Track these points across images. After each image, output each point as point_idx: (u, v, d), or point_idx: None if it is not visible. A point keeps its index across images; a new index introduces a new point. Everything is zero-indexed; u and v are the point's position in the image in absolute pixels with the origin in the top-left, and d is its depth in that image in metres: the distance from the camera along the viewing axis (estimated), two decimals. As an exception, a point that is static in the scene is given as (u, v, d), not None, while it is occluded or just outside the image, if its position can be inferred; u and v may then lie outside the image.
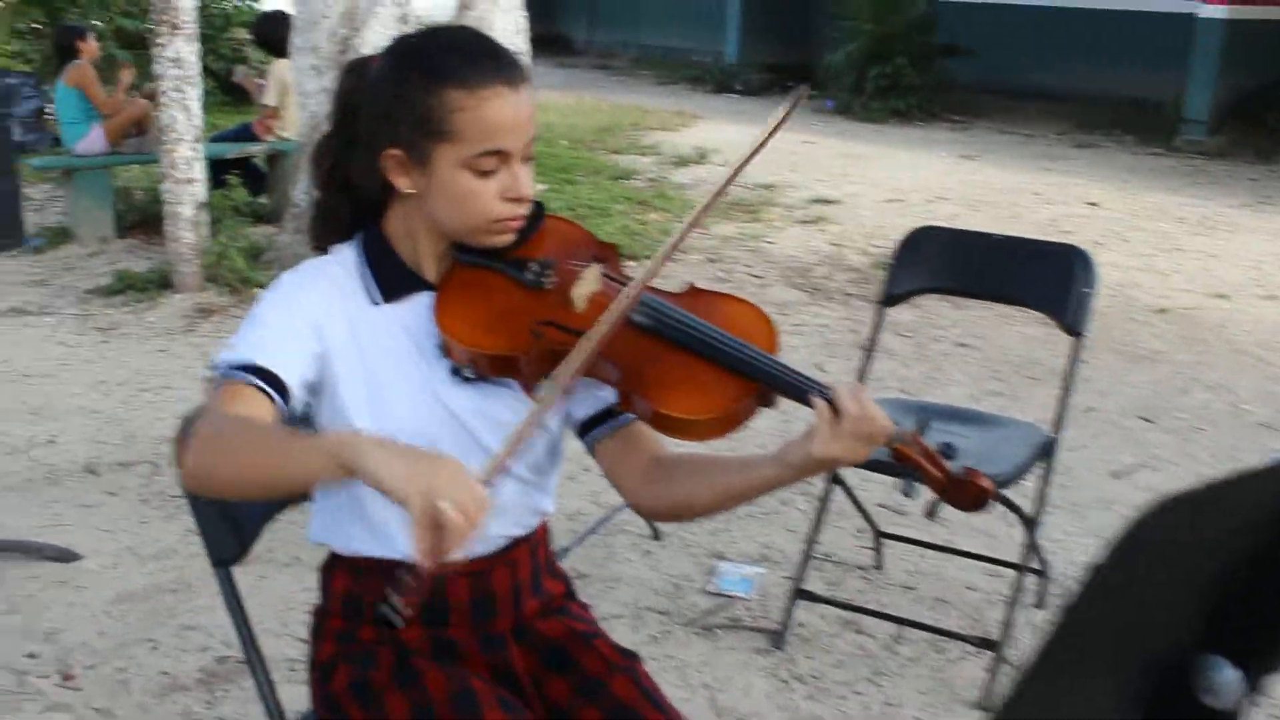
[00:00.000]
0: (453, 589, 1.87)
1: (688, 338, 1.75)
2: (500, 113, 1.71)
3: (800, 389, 1.69)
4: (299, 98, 6.64)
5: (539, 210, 1.88)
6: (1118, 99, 13.20)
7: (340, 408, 1.79)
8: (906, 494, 1.67)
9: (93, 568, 3.68)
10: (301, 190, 6.37)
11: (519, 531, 1.92)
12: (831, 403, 1.63)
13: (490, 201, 1.75)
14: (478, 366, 1.78)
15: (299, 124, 6.82)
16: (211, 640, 3.29)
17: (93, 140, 7.93)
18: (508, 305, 1.80)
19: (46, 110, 11.07)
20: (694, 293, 1.88)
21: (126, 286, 6.51)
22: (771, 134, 1.80)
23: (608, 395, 1.82)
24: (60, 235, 7.60)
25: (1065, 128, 13.17)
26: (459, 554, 1.42)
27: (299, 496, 2.02)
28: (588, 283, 1.80)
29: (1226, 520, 1.07)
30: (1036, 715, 1.12)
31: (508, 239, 1.82)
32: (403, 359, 1.81)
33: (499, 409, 1.83)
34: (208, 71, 11.84)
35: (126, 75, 8.63)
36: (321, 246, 1.90)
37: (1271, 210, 9.37)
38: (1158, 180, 10.42)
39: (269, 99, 8.23)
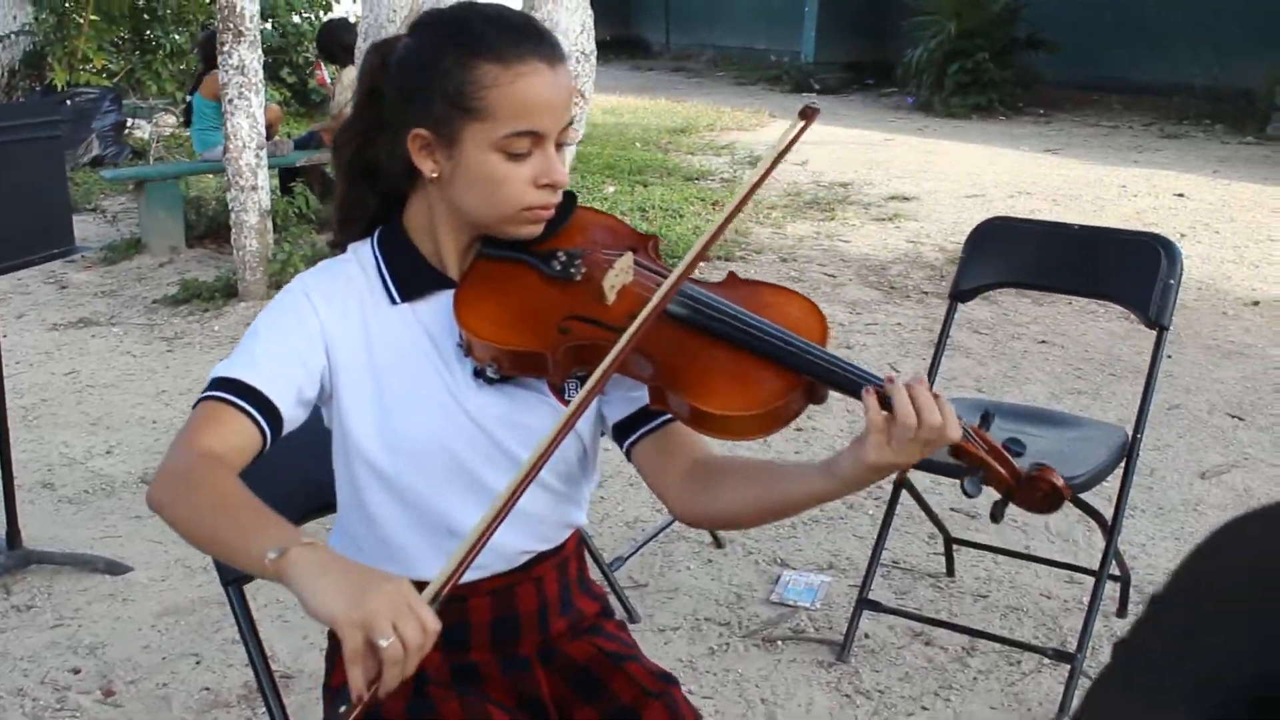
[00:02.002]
0: (474, 608, 1.74)
1: (728, 328, 1.59)
2: (536, 91, 1.58)
3: (852, 383, 1.52)
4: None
5: (571, 201, 1.73)
6: (1207, 88, 12.83)
7: (346, 427, 1.67)
8: (968, 493, 1.49)
9: (142, 580, 3.62)
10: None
11: (544, 546, 1.79)
12: (885, 398, 1.46)
13: (521, 187, 1.61)
14: (501, 365, 1.64)
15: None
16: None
17: (220, 150, 7.90)
18: (533, 299, 1.66)
19: (128, 124, 11.20)
20: (734, 282, 1.72)
21: (192, 296, 6.49)
22: (784, 151, 1.61)
23: (642, 395, 1.67)
24: (132, 246, 7.60)
25: (1152, 118, 12.83)
26: (396, 684, 1.28)
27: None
28: (619, 274, 1.64)
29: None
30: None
31: (536, 230, 1.67)
32: (420, 362, 1.68)
33: (523, 414, 1.69)
34: (283, 83, 11.95)
35: None
36: (340, 244, 1.78)
37: (1370, 198, 9.00)
38: (1250, 170, 10.07)
39: (338, 107, 8.19)
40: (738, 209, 1.59)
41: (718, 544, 3.76)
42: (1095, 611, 2.96)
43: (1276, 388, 5.19)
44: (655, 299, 1.53)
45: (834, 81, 15.89)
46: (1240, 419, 4.83)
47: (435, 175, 1.63)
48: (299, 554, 1.32)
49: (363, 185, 1.73)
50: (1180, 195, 8.94)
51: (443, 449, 1.67)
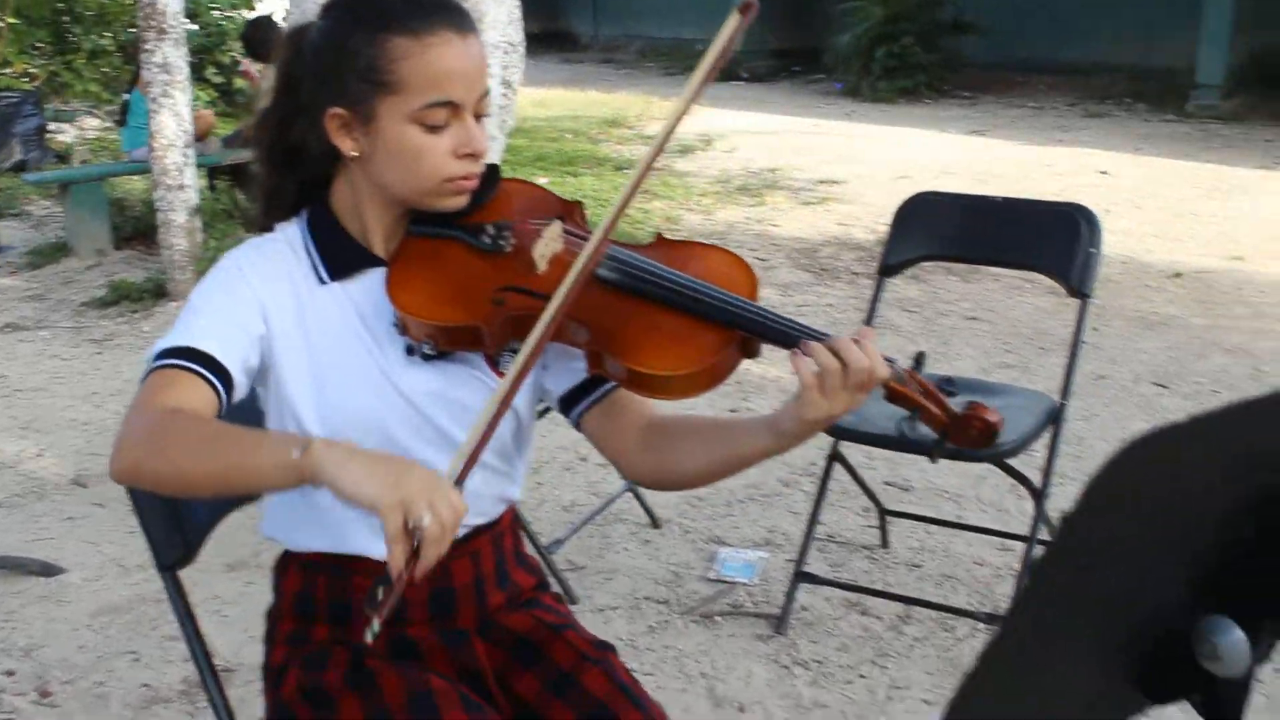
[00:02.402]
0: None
1: (658, 289, 1.61)
2: (449, 60, 1.59)
3: (784, 334, 1.56)
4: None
5: (494, 174, 1.75)
6: (1129, 67, 13.02)
7: (284, 396, 1.67)
8: (906, 435, 1.53)
9: (75, 581, 3.59)
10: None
11: (480, 520, 1.79)
12: (810, 355, 1.49)
13: (441, 158, 1.62)
14: (437, 341, 1.65)
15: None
16: (195, 649, 3.18)
17: (147, 149, 7.81)
18: (465, 273, 1.67)
19: (49, 128, 11.05)
20: (662, 243, 1.74)
21: (121, 297, 6.43)
22: (719, 57, 1.62)
23: (584, 365, 1.68)
24: (58, 250, 7.52)
25: (1076, 98, 12.99)
26: (434, 562, 1.35)
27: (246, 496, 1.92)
28: (549, 242, 1.66)
29: (1221, 459, 0.94)
30: (1008, 694, 1.00)
31: (461, 201, 1.68)
32: (352, 341, 1.68)
33: (457, 389, 1.70)
34: (207, 83, 11.83)
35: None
36: (266, 226, 1.78)
37: (1287, 171, 9.18)
38: (1171, 146, 10.23)
39: (264, 104, 8.12)
40: (673, 128, 1.61)
41: (654, 524, 3.78)
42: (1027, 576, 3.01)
43: (1199, 356, 5.30)
44: (588, 249, 1.55)
45: (762, 69, 15.93)
46: (1165, 387, 4.92)
47: (356, 154, 1.64)
48: (322, 448, 1.38)
49: (284, 172, 1.74)
50: (1104, 173, 9.07)
51: (376, 427, 1.68)
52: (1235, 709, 1.07)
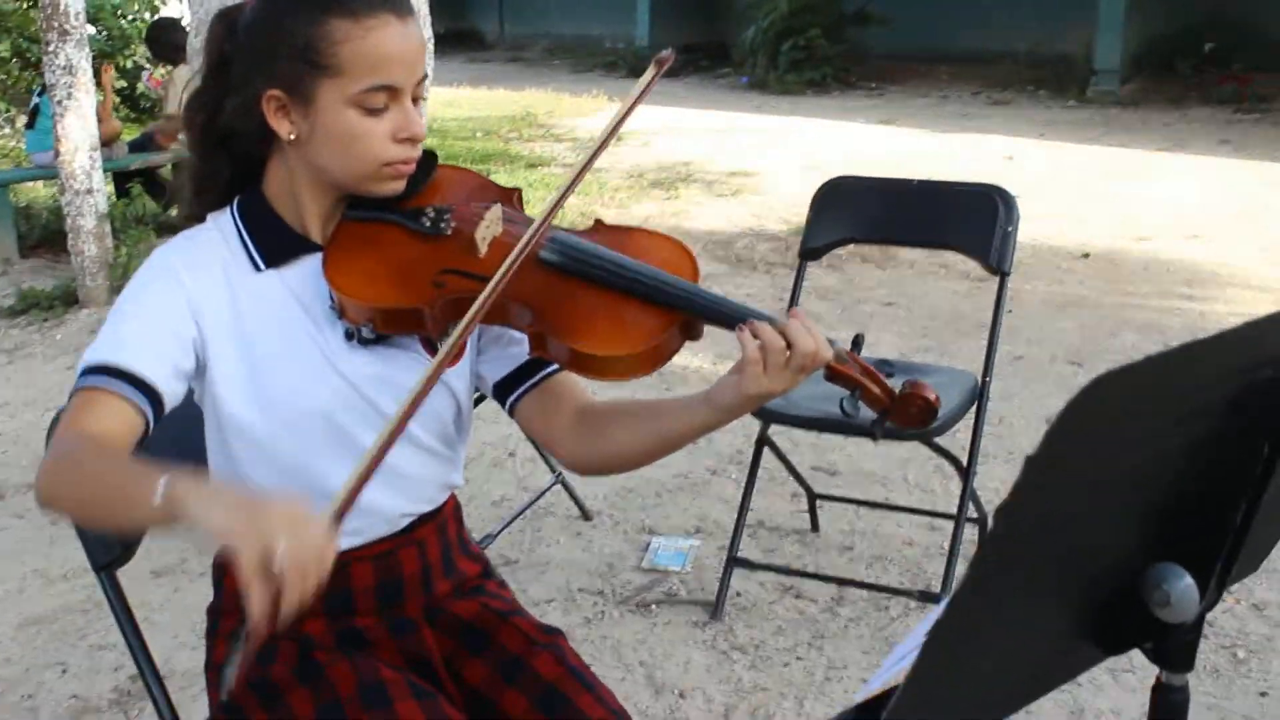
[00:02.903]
0: (356, 574, 1.74)
1: (602, 272, 1.63)
2: (389, 44, 1.58)
3: (726, 316, 1.58)
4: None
5: (432, 159, 1.75)
6: (1029, 55, 13.24)
7: (219, 393, 1.65)
8: (847, 413, 1.55)
9: (-2, 594, 3.52)
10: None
11: (425, 507, 1.79)
12: (756, 334, 1.51)
13: (380, 142, 1.61)
14: (376, 324, 1.64)
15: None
16: (125, 658, 3.12)
17: (51, 154, 7.64)
18: (405, 257, 1.66)
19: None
20: (602, 228, 1.76)
21: (30, 306, 6.31)
22: (644, 92, 1.69)
23: (520, 352, 1.71)
24: (-40, 261, 7.36)
25: (979, 87, 13.19)
26: (295, 611, 1.25)
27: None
28: (489, 225, 1.66)
29: (1171, 403, 0.97)
30: (967, 649, 1.02)
31: (399, 186, 1.68)
32: (291, 327, 1.67)
33: (399, 373, 1.69)
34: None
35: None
36: (197, 216, 1.75)
37: (1186, 153, 9.40)
38: (1074, 131, 10.43)
39: (172, 107, 8.00)
40: (598, 152, 1.65)
41: (585, 516, 3.79)
42: (957, 554, 3.06)
43: (1111, 334, 5.42)
44: (525, 239, 1.57)
45: (670, 65, 15.96)
46: (1080, 365, 5.03)
47: (293, 137, 1.62)
48: (184, 485, 1.33)
49: (217, 155, 1.71)
50: (1009, 158, 9.23)
51: (318, 412, 1.66)
52: (1186, 654, 1.10)
